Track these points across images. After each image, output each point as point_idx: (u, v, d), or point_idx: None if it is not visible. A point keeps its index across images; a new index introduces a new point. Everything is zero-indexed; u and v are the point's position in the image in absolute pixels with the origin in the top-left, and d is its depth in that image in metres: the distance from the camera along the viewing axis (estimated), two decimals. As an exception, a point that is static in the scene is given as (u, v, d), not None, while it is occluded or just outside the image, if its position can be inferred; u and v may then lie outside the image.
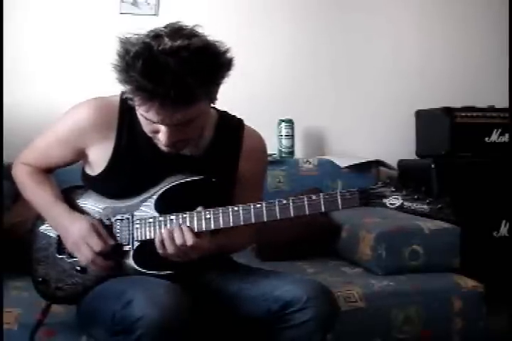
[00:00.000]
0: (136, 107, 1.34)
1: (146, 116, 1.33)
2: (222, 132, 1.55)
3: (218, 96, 1.58)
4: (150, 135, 1.40)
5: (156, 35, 1.28)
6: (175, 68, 1.24)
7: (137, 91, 1.27)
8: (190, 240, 1.38)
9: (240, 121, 1.60)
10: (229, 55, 1.32)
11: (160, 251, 1.41)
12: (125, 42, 1.29)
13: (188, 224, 1.40)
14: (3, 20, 2.44)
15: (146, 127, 1.39)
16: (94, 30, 2.66)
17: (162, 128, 1.34)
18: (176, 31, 1.29)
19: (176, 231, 1.39)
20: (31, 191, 1.57)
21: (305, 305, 1.39)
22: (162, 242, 1.40)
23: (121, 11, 2.69)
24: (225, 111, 1.59)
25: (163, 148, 1.41)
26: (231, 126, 1.58)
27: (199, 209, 1.42)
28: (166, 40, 1.26)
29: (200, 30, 1.33)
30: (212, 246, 1.44)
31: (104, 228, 1.48)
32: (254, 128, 1.62)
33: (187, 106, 1.30)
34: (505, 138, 2.80)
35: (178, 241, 1.38)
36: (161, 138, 1.36)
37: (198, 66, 1.26)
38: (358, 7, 2.98)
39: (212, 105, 1.44)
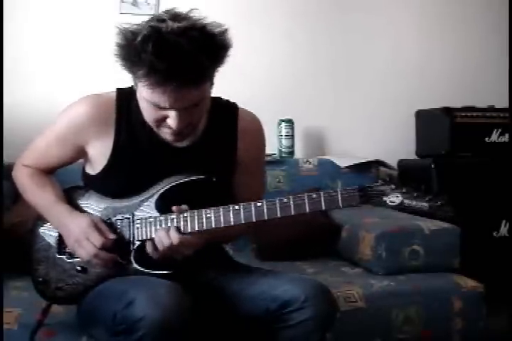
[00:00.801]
0: (146, 92, 1.32)
1: (157, 101, 1.32)
2: (217, 116, 1.54)
3: (218, 96, 1.59)
4: (154, 125, 1.40)
5: (159, 20, 1.29)
6: (186, 47, 1.25)
7: (150, 74, 1.27)
8: (175, 238, 1.38)
9: (234, 104, 1.59)
10: (229, 34, 1.34)
11: (153, 256, 1.42)
12: (126, 31, 1.30)
13: (189, 224, 1.41)
14: (3, 20, 2.45)
15: (151, 116, 1.38)
16: (95, 30, 2.66)
17: (172, 113, 1.34)
18: (177, 15, 1.32)
19: (162, 233, 1.40)
20: (32, 193, 1.57)
21: (303, 304, 1.39)
22: (154, 247, 1.42)
23: (121, 11, 2.70)
24: (218, 97, 1.57)
25: (169, 137, 1.41)
26: (225, 110, 1.57)
27: (183, 207, 1.42)
28: (171, 22, 1.28)
29: (195, 13, 1.34)
30: (202, 240, 1.44)
31: (104, 224, 1.48)
32: (249, 110, 1.60)
33: (198, 85, 1.31)
34: (505, 138, 2.80)
35: (165, 242, 1.39)
36: (171, 123, 1.35)
37: (207, 44, 1.28)
38: (357, 7, 2.98)
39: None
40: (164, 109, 1.33)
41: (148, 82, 1.29)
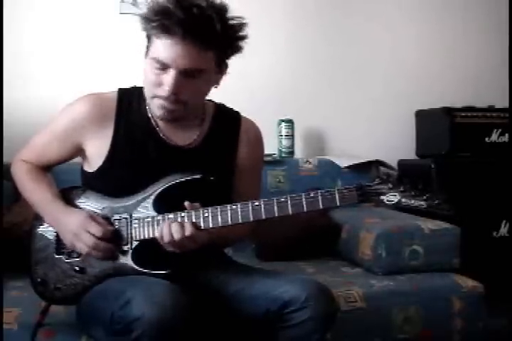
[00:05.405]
0: (154, 46, 1.39)
1: (161, 55, 1.37)
2: (220, 121, 1.59)
3: (217, 96, 1.59)
4: (150, 93, 1.43)
5: None
6: (206, 7, 1.36)
7: (165, 18, 1.36)
8: (188, 230, 1.38)
9: (237, 111, 1.64)
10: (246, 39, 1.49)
11: (160, 240, 1.41)
12: None
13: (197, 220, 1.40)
14: (4, 20, 2.45)
15: (151, 81, 1.41)
16: (95, 30, 2.66)
17: (170, 72, 1.37)
18: None
19: (174, 224, 1.39)
20: (28, 188, 1.57)
21: (304, 304, 1.38)
22: (162, 233, 1.40)
23: (121, 11, 2.70)
24: (222, 104, 1.63)
25: (160, 110, 1.43)
26: (228, 116, 1.61)
27: (186, 203, 1.41)
28: None
29: None
30: (213, 236, 1.44)
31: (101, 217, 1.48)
32: (249, 118, 1.65)
33: (203, 46, 1.36)
34: (505, 138, 2.80)
35: (177, 234, 1.38)
36: (167, 81, 1.38)
37: (226, 17, 1.40)
38: (357, 7, 2.98)
39: (213, 89, 1.51)
40: (164, 69, 1.38)
41: (158, 23, 1.37)
